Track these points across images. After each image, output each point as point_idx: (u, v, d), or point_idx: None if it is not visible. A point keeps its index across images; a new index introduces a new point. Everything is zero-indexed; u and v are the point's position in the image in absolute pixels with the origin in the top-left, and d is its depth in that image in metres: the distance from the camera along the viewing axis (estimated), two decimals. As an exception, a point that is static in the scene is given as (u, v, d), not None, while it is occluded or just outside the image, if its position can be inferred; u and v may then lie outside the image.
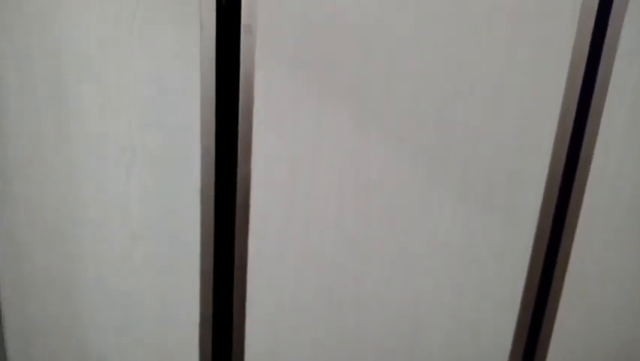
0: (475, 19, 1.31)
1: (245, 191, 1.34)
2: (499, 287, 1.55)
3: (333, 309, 1.50)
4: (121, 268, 1.40)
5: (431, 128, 1.38)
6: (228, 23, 1.22)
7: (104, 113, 1.28)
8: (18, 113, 1.28)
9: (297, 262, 1.43)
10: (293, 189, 1.37)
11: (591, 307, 1.65)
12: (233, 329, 1.44)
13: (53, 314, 1.46)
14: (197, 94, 1.26)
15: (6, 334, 1.48)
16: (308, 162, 1.36)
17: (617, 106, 1.45)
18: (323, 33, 1.26)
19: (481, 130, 1.40)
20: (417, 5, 1.28)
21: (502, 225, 1.49)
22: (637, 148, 1.51)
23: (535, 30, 1.34)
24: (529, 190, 1.47)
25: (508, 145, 1.42)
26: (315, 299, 1.48)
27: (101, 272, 1.41)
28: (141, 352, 1.49)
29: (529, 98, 1.39)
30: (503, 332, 1.60)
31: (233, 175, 1.33)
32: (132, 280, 1.41)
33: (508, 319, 1.59)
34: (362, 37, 1.28)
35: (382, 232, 1.45)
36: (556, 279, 1.56)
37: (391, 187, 1.41)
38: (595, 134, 1.46)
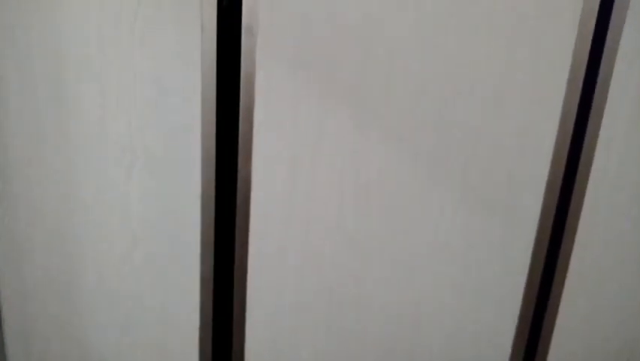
0: (476, 20, 1.31)
1: (245, 191, 1.34)
2: (500, 288, 1.55)
3: (333, 309, 1.50)
4: (121, 268, 1.40)
5: (431, 129, 1.38)
6: (229, 24, 1.22)
7: (105, 113, 1.28)
8: (18, 114, 1.28)
9: (298, 262, 1.43)
10: (293, 190, 1.37)
11: (592, 307, 1.65)
12: (234, 330, 1.44)
13: (53, 315, 1.46)
14: (197, 94, 1.26)
15: (6, 334, 1.48)
16: (308, 162, 1.36)
17: (618, 107, 1.45)
18: (323, 34, 1.26)
19: (482, 130, 1.40)
20: (417, 6, 1.28)
21: (503, 225, 1.49)
22: (638, 149, 1.51)
23: (536, 30, 1.34)
24: (529, 191, 1.47)
25: (508, 145, 1.42)
26: (315, 300, 1.48)
27: (102, 273, 1.41)
28: (141, 352, 1.49)
29: (529, 99, 1.39)
30: (504, 333, 1.60)
31: (233, 176, 1.33)
32: (132, 280, 1.41)
33: (508, 319, 1.59)
34: (362, 38, 1.28)
35: (382, 233, 1.45)
36: (557, 279, 1.57)
37: (391, 188, 1.41)
38: (596, 134, 1.46)
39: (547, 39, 1.35)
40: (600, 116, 1.45)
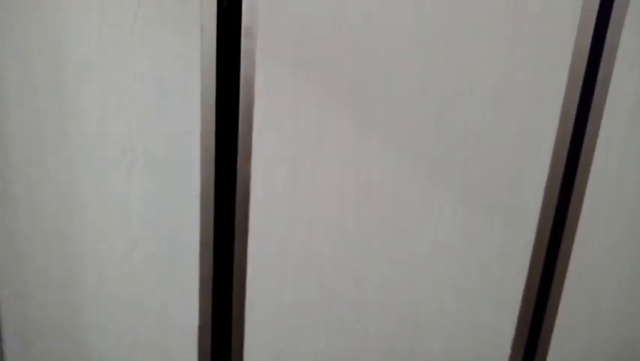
0: (476, 20, 1.31)
1: (245, 192, 1.34)
2: (500, 288, 1.55)
3: (333, 310, 1.50)
4: (120, 269, 1.40)
5: (431, 129, 1.38)
6: (229, 25, 1.22)
7: (105, 113, 1.28)
8: (18, 114, 1.28)
9: (297, 262, 1.43)
10: (293, 190, 1.37)
11: (591, 308, 1.65)
12: (233, 330, 1.44)
13: (52, 315, 1.46)
14: (197, 95, 1.26)
15: (4, 335, 1.48)
16: (308, 162, 1.36)
17: (618, 107, 1.45)
18: (323, 34, 1.26)
19: (482, 131, 1.40)
20: (417, 6, 1.28)
21: (503, 226, 1.49)
22: (637, 149, 1.51)
23: (536, 30, 1.34)
24: (529, 191, 1.47)
25: (508, 146, 1.42)
26: (315, 300, 1.48)
27: (101, 274, 1.41)
28: (140, 353, 1.48)
29: (529, 99, 1.39)
30: (503, 334, 1.60)
31: (233, 176, 1.33)
32: (132, 281, 1.41)
33: (508, 320, 1.59)
34: (362, 39, 1.28)
35: (382, 233, 1.45)
36: (557, 280, 1.56)
37: (391, 188, 1.41)
38: (595, 135, 1.46)
39: (546, 39, 1.35)
40: (600, 117, 1.45)
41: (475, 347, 1.60)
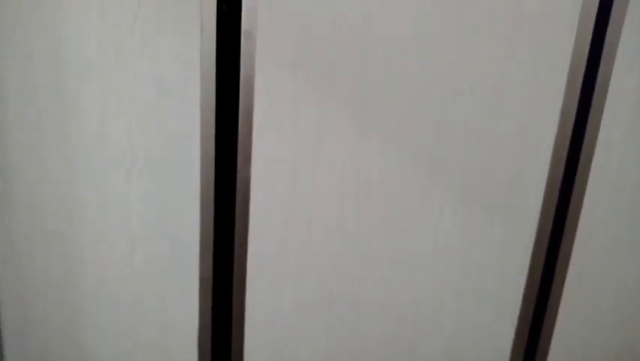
0: (476, 21, 1.31)
1: (245, 193, 1.34)
2: (500, 289, 1.55)
3: (333, 311, 1.50)
4: (121, 269, 1.40)
5: (431, 130, 1.38)
6: (229, 27, 1.22)
7: (105, 114, 1.28)
8: (18, 115, 1.28)
9: (297, 263, 1.43)
10: (293, 191, 1.37)
11: (591, 309, 1.65)
12: (233, 331, 1.44)
13: (52, 316, 1.46)
14: (197, 96, 1.26)
15: (4, 335, 1.48)
16: (308, 163, 1.36)
17: (618, 107, 1.46)
18: (323, 35, 1.26)
19: (482, 131, 1.40)
20: (417, 6, 1.28)
21: (503, 227, 1.49)
22: (637, 149, 1.51)
23: (536, 31, 1.35)
24: (529, 192, 1.47)
25: (508, 146, 1.43)
26: (315, 301, 1.48)
27: (101, 274, 1.41)
28: (140, 354, 1.48)
29: (529, 100, 1.39)
30: (503, 335, 1.60)
31: (233, 178, 1.33)
32: (132, 282, 1.41)
33: (508, 321, 1.59)
34: (362, 40, 1.28)
35: (383, 233, 1.45)
36: (557, 281, 1.56)
37: (391, 188, 1.41)
38: (595, 135, 1.46)
39: (546, 39, 1.35)
40: (599, 117, 1.45)
41: (475, 348, 1.60)
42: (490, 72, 1.36)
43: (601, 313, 1.66)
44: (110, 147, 1.31)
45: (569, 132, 1.43)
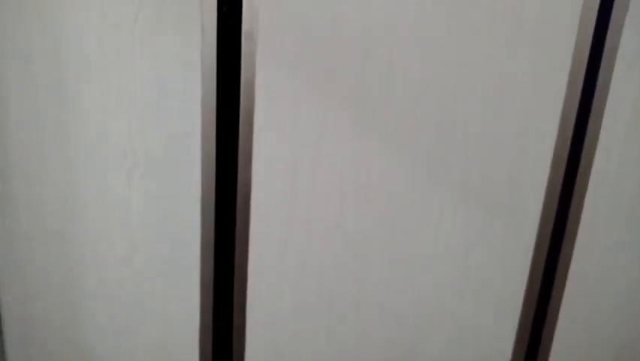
0: (476, 21, 1.31)
1: (245, 195, 1.34)
2: (500, 290, 1.55)
3: (334, 312, 1.49)
4: (121, 271, 1.40)
5: (431, 129, 1.38)
6: (229, 28, 1.22)
7: (105, 115, 1.28)
8: (18, 115, 1.28)
9: (297, 264, 1.43)
10: (293, 192, 1.37)
11: (592, 310, 1.65)
12: (234, 332, 1.44)
13: (53, 317, 1.46)
14: (198, 97, 1.26)
15: (6, 337, 1.48)
16: (308, 164, 1.36)
17: (618, 109, 1.46)
18: (323, 36, 1.27)
19: (482, 132, 1.40)
20: (417, 6, 1.28)
21: (503, 227, 1.49)
22: (638, 151, 1.51)
23: (536, 32, 1.35)
24: (529, 193, 1.47)
25: (508, 147, 1.43)
26: (315, 302, 1.48)
27: (102, 275, 1.41)
28: (141, 355, 1.48)
29: (529, 100, 1.39)
30: (504, 337, 1.60)
31: (233, 179, 1.33)
32: (132, 283, 1.41)
33: (509, 323, 1.58)
34: (362, 41, 1.28)
35: (383, 233, 1.45)
36: (558, 282, 1.56)
37: (391, 188, 1.41)
38: (596, 137, 1.46)
39: (546, 41, 1.36)
40: (600, 119, 1.45)
41: (475, 349, 1.60)
42: (490, 72, 1.36)
43: (602, 314, 1.66)
44: (111, 148, 1.31)
45: (569, 134, 1.43)
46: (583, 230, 1.53)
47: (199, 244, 1.36)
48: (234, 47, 1.24)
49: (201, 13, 1.21)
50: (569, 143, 1.44)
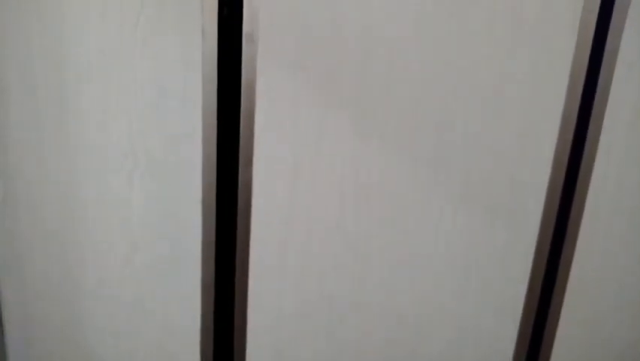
0: (475, 22, 1.32)
1: (246, 196, 1.34)
2: (501, 291, 1.54)
3: (334, 313, 1.49)
4: (122, 272, 1.40)
5: (431, 130, 1.38)
6: (230, 30, 1.23)
7: (106, 117, 1.29)
8: (18, 115, 1.29)
9: (298, 264, 1.43)
10: (293, 192, 1.37)
11: (594, 311, 1.65)
12: (235, 334, 1.44)
13: (54, 318, 1.46)
14: (198, 99, 1.26)
15: (6, 337, 1.48)
16: (309, 166, 1.36)
17: (619, 111, 1.46)
18: (323, 38, 1.27)
19: (482, 133, 1.40)
20: (417, 7, 1.29)
21: (504, 228, 1.49)
22: (638, 153, 1.51)
23: (536, 34, 1.35)
24: (530, 195, 1.47)
25: (508, 148, 1.43)
26: (315, 302, 1.47)
27: (102, 277, 1.41)
28: (142, 356, 1.48)
29: (530, 102, 1.40)
30: (505, 338, 1.59)
31: (234, 181, 1.33)
32: (133, 284, 1.41)
33: (509, 325, 1.58)
34: (362, 42, 1.28)
35: (383, 234, 1.44)
36: (559, 284, 1.56)
37: (392, 189, 1.41)
38: (596, 139, 1.46)
39: (546, 41, 1.36)
40: (601, 121, 1.45)
41: (476, 350, 1.60)
42: (490, 73, 1.36)
43: (603, 315, 1.66)
44: (111, 148, 1.31)
45: (570, 135, 1.43)
46: (584, 231, 1.53)
47: (200, 244, 1.36)
48: (235, 48, 1.24)
49: (202, 14, 1.21)
50: (569, 144, 1.44)
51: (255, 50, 1.24)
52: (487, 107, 1.38)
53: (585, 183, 1.49)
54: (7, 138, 1.31)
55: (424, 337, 1.56)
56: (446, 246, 1.48)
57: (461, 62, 1.34)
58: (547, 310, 1.58)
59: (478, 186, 1.44)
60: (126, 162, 1.32)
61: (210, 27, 1.22)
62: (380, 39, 1.29)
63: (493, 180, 1.44)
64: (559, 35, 1.36)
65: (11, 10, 1.22)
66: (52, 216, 1.37)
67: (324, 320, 1.49)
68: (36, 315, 1.46)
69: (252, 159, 1.31)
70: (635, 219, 1.58)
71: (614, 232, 1.57)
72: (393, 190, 1.41)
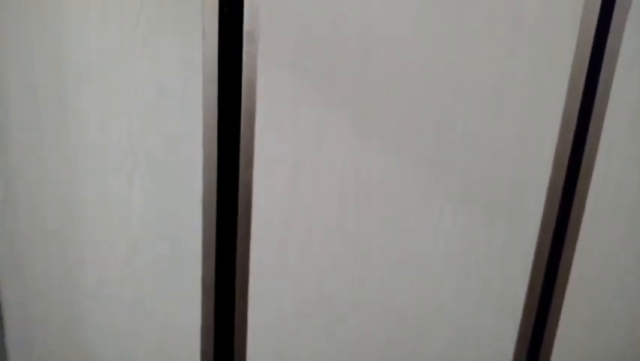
0: (476, 22, 1.32)
1: (247, 196, 1.34)
2: (501, 291, 1.54)
3: (334, 314, 1.49)
4: (122, 272, 1.40)
5: (431, 130, 1.38)
6: (230, 30, 1.23)
7: (106, 117, 1.29)
8: (18, 115, 1.29)
9: (298, 264, 1.43)
10: (293, 192, 1.37)
11: (593, 312, 1.65)
12: (235, 334, 1.44)
13: (54, 318, 1.46)
14: (199, 99, 1.26)
15: (6, 337, 1.48)
16: (309, 164, 1.36)
17: (619, 111, 1.46)
18: (324, 38, 1.27)
19: (482, 133, 1.40)
20: (417, 7, 1.29)
21: (504, 228, 1.49)
22: (639, 153, 1.51)
23: (536, 34, 1.35)
24: (530, 195, 1.47)
25: (509, 148, 1.42)
26: (315, 302, 1.47)
27: (102, 277, 1.41)
28: (142, 356, 1.48)
29: (530, 102, 1.39)
30: (505, 338, 1.59)
31: (235, 181, 1.33)
32: (133, 285, 1.41)
33: (509, 325, 1.58)
34: (362, 42, 1.28)
35: (383, 234, 1.44)
36: (559, 284, 1.56)
37: (391, 189, 1.41)
38: (597, 139, 1.46)
39: (546, 41, 1.36)
40: (601, 121, 1.45)
41: (476, 350, 1.60)
42: (490, 73, 1.36)
43: (604, 315, 1.66)
44: (111, 148, 1.31)
45: (570, 135, 1.43)
46: (584, 231, 1.53)
47: (200, 244, 1.36)
48: (235, 48, 1.24)
49: (202, 14, 1.21)
50: (570, 144, 1.44)
51: (255, 50, 1.24)
52: (487, 107, 1.38)
53: (585, 184, 1.49)
54: (7, 138, 1.31)
55: (424, 337, 1.56)
56: (446, 246, 1.48)
57: (461, 62, 1.34)
58: (548, 310, 1.58)
59: (478, 186, 1.44)
60: (126, 162, 1.32)
61: (211, 27, 1.22)
62: (380, 39, 1.29)
63: (493, 180, 1.44)
64: (559, 35, 1.36)
65: (11, 10, 1.22)
66: (52, 216, 1.37)
67: (324, 320, 1.49)
68: (36, 315, 1.46)
69: (252, 159, 1.31)
70: (635, 219, 1.58)
71: (614, 232, 1.57)
72: (393, 190, 1.41)
